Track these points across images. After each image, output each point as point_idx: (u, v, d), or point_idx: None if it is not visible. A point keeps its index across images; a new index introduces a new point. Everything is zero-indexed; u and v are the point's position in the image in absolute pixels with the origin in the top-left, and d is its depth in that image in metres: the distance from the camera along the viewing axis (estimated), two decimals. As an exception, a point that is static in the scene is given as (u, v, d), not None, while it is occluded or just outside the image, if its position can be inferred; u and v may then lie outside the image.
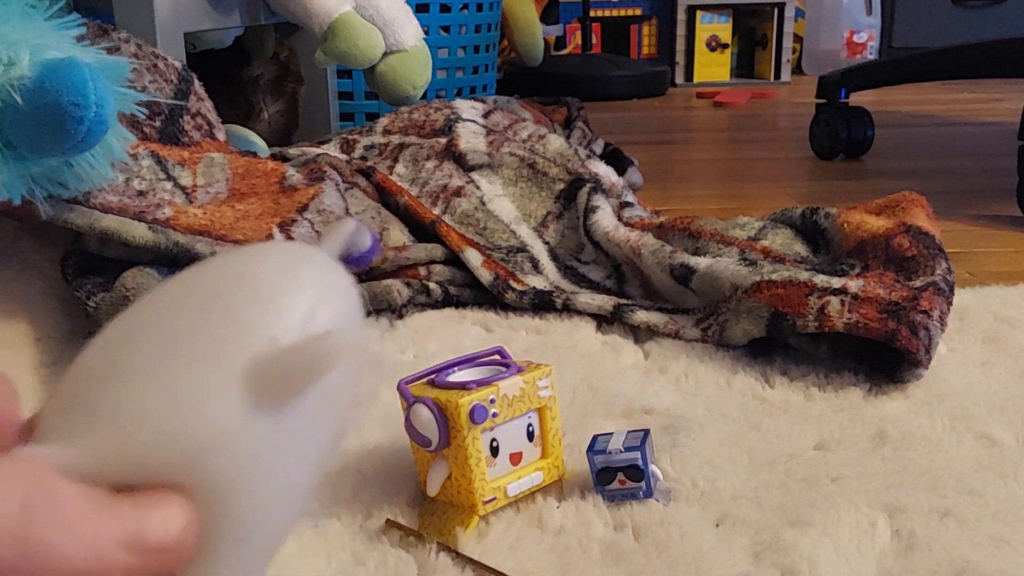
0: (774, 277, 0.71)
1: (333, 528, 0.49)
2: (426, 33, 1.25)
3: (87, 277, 0.67)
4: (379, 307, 0.79)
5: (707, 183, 1.40)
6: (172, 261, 0.69)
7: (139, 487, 0.24)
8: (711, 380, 0.66)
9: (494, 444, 0.49)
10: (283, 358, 0.24)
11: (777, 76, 2.88)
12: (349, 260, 0.31)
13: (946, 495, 0.50)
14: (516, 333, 0.77)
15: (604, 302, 0.79)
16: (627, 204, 1.01)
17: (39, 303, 0.68)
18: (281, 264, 0.27)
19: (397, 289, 0.80)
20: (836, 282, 0.68)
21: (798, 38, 3.12)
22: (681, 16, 2.88)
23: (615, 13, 3.14)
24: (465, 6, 1.73)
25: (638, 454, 0.49)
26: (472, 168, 0.98)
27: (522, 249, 0.91)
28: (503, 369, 0.51)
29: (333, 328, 0.26)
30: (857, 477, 0.52)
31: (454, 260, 0.86)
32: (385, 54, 1.16)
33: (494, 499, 0.49)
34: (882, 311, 0.65)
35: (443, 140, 1.02)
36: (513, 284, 0.82)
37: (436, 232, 0.87)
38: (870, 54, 3.02)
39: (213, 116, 0.87)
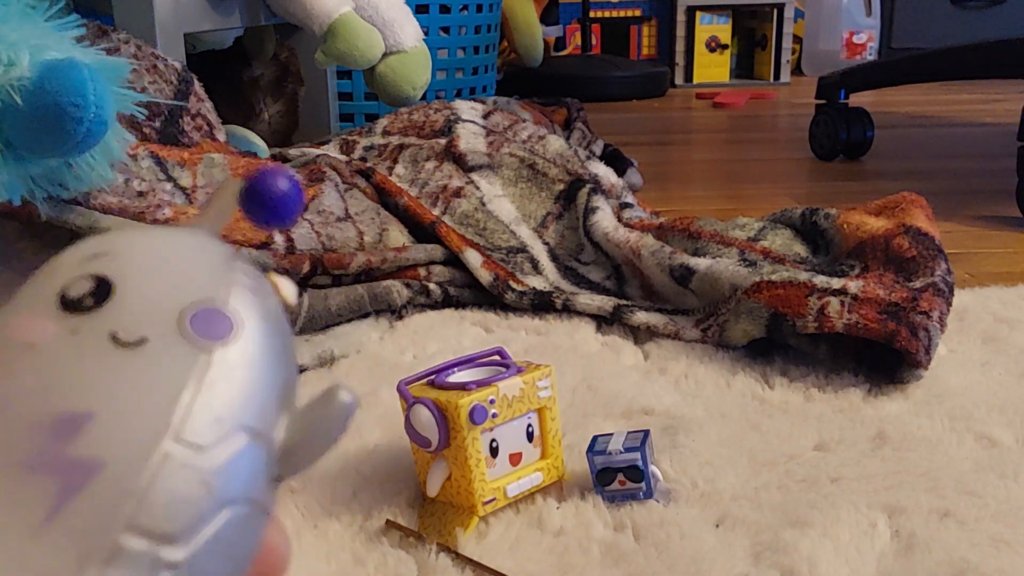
0: (774, 278, 0.71)
1: (333, 528, 0.49)
2: (426, 34, 1.25)
3: (87, 278, 0.67)
4: (379, 308, 0.79)
5: (707, 184, 1.40)
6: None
7: None
8: (711, 381, 0.66)
9: (494, 445, 0.49)
10: None
11: (776, 77, 2.88)
12: (271, 215, 0.29)
13: (946, 496, 0.50)
14: (516, 334, 0.77)
15: (604, 303, 0.79)
16: (627, 205, 1.01)
17: (39, 304, 0.67)
18: None
19: (397, 290, 0.80)
20: (836, 283, 0.68)
21: (797, 39, 3.13)
22: (681, 17, 2.88)
23: (615, 14, 3.14)
24: (465, 7, 1.73)
25: (638, 455, 0.49)
26: (472, 169, 0.98)
27: (522, 250, 0.91)
28: (503, 370, 0.51)
29: None
30: (857, 478, 0.52)
31: (454, 261, 0.86)
32: (385, 55, 1.16)
33: (494, 500, 0.49)
34: (882, 312, 0.65)
35: (443, 141, 1.02)
36: (513, 285, 0.82)
37: (436, 233, 0.87)
38: (869, 55, 3.02)
39: (213, 117, 0.87)
